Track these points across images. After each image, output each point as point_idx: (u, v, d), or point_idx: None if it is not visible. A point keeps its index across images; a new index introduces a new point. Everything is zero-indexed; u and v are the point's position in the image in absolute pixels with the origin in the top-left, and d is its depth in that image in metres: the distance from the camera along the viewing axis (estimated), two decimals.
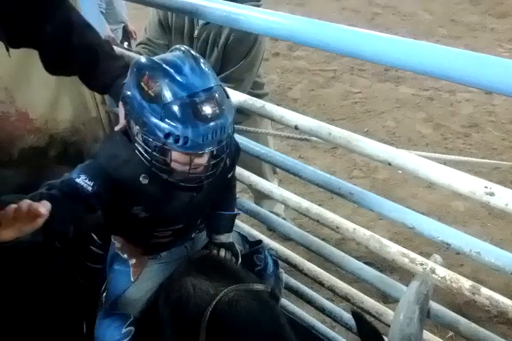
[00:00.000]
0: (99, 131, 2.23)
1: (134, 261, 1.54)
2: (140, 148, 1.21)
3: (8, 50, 1.40)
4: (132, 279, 1.52)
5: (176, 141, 1.11)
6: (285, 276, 1.82)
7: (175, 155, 1.18)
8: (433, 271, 1.27)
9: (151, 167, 1.23)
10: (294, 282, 1.88)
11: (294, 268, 1.76)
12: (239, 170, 1.77)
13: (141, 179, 1.27)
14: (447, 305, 1.39)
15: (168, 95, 1.11)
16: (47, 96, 2.04)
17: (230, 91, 1.59)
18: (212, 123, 1.12)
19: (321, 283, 1.68)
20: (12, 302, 1.65)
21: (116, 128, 1.38)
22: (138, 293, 1.51)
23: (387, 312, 1.54)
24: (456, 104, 4.24)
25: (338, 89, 4.54)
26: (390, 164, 1.23)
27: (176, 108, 1.10)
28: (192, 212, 1.44)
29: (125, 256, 1.55)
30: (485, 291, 1.20)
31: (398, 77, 4.65)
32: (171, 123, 1.11)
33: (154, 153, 1.18)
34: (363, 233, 1.43)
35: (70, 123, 2.15)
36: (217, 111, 1.13)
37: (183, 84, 1.12)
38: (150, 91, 1.13)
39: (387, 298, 1.47)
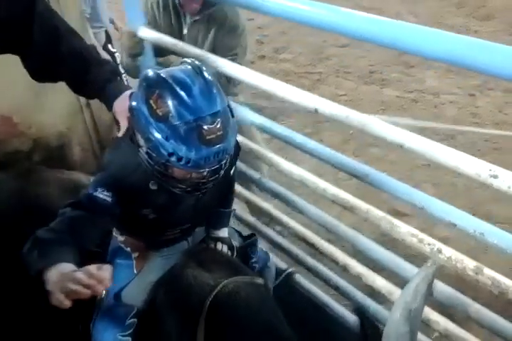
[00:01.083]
0: (84, 134, 2.23)
1: (137, 254, 1.57)
2: (143, 159, 1.25)
3: None
4: (135, 271, 1.55)
5: (179, 160, 1.16)
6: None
7: (176, 170, 1.22)
8: (440, 251, 1.32)
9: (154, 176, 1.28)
10: (311, 261, 1.89)
11: (311, 247, 1.80)
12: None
13: (150, 185, 1.32)
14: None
15: (175, 117, 1.14)
16: (31, 101, 2.04)
17: (242, 73, 1.68)
18: (215, 147, 1.16)
19: (335, 261, 1.72)
20: (8, 300, 1.64)
21: (120, 134, 1.42)
22: (141, 286, 1.53)
23: (397, 291, 1.56)
24: (440, 105, 4.28)
25: (324, 91, 4.56)
26: (402, 146, 1.28)
27: (181, 130, 1.14)
28: (199, 212, 1.50)
29: (128, 249, 1.58)
30: (488, 272, 1.25)
31: (383, 79, 4.69)
32: (176, 144, 1.14)
33: (156, 167, 1.23)
34: (376, 213, 1.49)
35: (55, 128, 2.14)
36: (221, 135, 1.17)
37: (191, 107, 1.15)
38: (158, 110, 1.16)
39: (398, 278, 1.50)
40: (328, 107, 1.47)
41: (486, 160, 1.15)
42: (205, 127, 1.14)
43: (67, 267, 1.07)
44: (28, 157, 2.08)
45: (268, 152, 1.86)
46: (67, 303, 1.01)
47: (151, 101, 1.17)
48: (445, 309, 1.44)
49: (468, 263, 1.27)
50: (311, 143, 1.66)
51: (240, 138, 1.69)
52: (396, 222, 1.43)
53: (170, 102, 1.14)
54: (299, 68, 4.99)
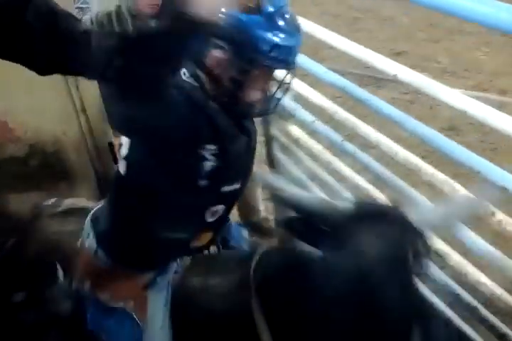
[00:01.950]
0: (79, 139, 2.23)
1: (131, 302, 1.36)
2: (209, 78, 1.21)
3: None
4: (140, 324, 1.35)
5: (279, 53, 1.16)
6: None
7: (251, 78, 1.21)
8: (493, 214, 1.41)
9: (218, 95, 1.23)
10: None
11: None
12: None
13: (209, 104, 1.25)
14: None
15: (267, 6, 1.14)
16: (27, 106, 2.04)
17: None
18: (299, 35, 1.21)
19: None
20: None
21: None
22: (157, 325, 1.36)
23: (455, 256, 1.64)
24: (436, 106, 4.28)
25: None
26: (465, 112, 1.45)
27: (277, 18, 1.15)
28: (249, 165, 1.44)
29: (120, 304, 1.36)
30: None
31: (378, 81, 4.69)
32: (278, 33, 1.15)
33: (232, 77, 1.19)
34: (440, 177, 1.62)
35: (51, 133, 2.15)
36: (298, 24, 1.23)
37: None
38: (248, 3, 1.14)
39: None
40: (407, 74, 1.63)
41: None
42: (288, 14, 1.18)
43: None
44: (25, 162, 2.09)
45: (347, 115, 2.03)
46: None
47: None
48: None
49: None
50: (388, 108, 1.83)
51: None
52: (457, 185, 1.54)
53: None
54: (297, 69, 4.99)
